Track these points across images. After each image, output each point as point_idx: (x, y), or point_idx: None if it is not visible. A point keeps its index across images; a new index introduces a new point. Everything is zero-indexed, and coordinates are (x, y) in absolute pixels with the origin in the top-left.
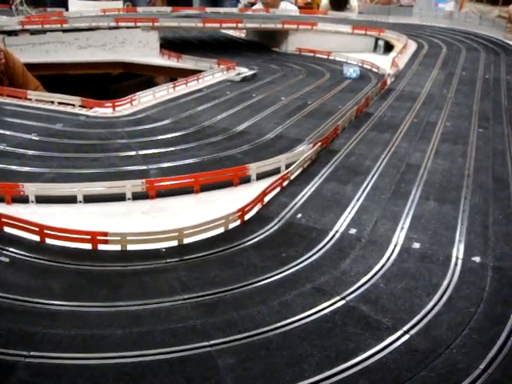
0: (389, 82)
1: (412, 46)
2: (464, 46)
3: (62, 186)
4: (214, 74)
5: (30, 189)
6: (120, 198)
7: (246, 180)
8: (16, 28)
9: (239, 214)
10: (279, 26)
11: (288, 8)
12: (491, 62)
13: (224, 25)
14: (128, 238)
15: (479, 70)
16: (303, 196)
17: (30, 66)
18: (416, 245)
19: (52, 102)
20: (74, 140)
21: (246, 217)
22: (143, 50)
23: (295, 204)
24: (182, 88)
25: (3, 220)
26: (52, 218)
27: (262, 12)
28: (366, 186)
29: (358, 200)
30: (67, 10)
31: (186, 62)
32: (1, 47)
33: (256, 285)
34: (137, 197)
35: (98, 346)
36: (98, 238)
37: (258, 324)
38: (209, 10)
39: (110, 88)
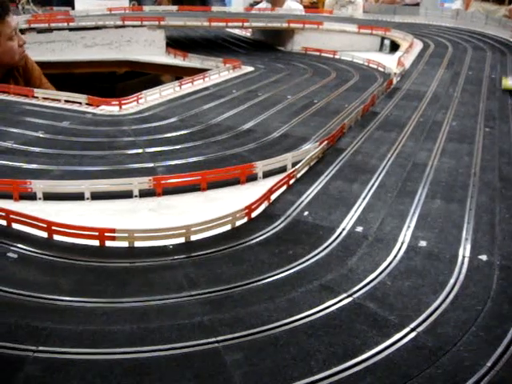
0: (395, 81)
1: (418, 46)
2: (470, 46)
3: (69, 183)
4: (220, 72)
5: (38, 186)
6: (127, 195)
7: (252, 178)
8: (23, 27)
9: (246, 211)
10: (285, 25)
11: (293, 7)
12: (497, 62)
13: (230, 24)
14: (135, 234)
15: (485, 70)
16: (310, 194)
17: (37, 65)
18: (422, 243)
19: (59, 100)
20: (81, 138)
21: (253, 214)
22: (149, 48)
23: (302, 202)
24: (188, 86)
25: (11, 216)
26: (59, 214)
27: (268, 11)
28: (373, 185)
29: (364, 198)
30: (73, 8)
31: (192, 61)
32: (24, 40)
33: (263, 282)
34: (144, 194)
35: (105, 341)
36: (106, 234)
37: (265, 320)
38: (215, 9)
39: (117, 86)
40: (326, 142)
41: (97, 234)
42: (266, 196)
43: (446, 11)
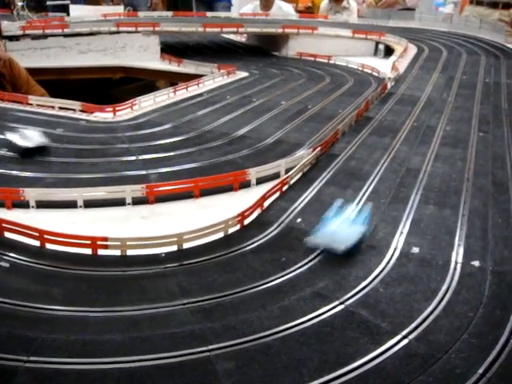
0: (389, 86)
1: (412, 50)
2: (464, 50)
3: (62, 191)
4: (214, 78)
5: (31, 194)
6: (120, 202)
7: (245, 185)
8: (17, 33)
9: (239, 218)
10: (280, 30)
11: (283, 8)
12: (491, 66)
13: (225, 29)
14: (128, 242)
15: (479, 74)
16: (303, 200)
17: (31, 71)
18: (415, 249)
19: (53, 107)
20: (75, 145)
21: (246, 221)
22: (144, 54)
23: (295, 208)
24: (183, 92)
25: (3, 225)
26: (52, 223)
27: (263, 16)
28: (366, 191)
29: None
30: (68, 14)
31: (187, 67)
32: (2, 53)
33: (255, 289)
34: (137, 202)
35: (97, 350)
36: (98, 242)
37: (257, 329)
38: (209, 14)
39: (111, 92)
40: (319, 148)
41: (89, 242)
42: (259, 203)
43: (440, 16)
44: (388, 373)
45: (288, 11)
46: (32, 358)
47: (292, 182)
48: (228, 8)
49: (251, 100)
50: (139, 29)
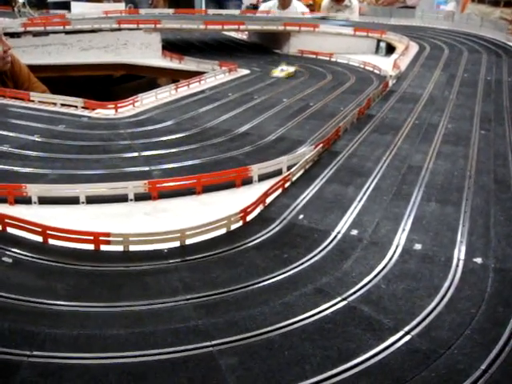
0: (390, 84)
1: (414, 48)
2: (466, 48)
3: (64, 187)
4: (216, 75)
5: (33, 190)
6: (122, 199)
7: (248, 181)
8: (18, 30)
9: (241, 215)
10: (281, 27)
11: (298, 8)
12: (493, 64)
13: (226, 27)
14: (130, 238)
15: (481, 72)
16: (305, 197)
17: (33, 68)
18: (417, 246)
19: (54, 104)
20: (77, 141)
21: (248, 218)
22: (145, 51)
23: (297, 205)
24: (184, 89)
25: (6, 221)
26: (55, 218)
27: (264, 14)
28: (368, 188)
29: (359, 201)
30: (69, 11)
31: (188, 64)
32: (9, 46)
33: (258, 285)
34: (139, 198)
35: (100, 345)
36: (101, 238)
37: (260, 324)
38: (211, 11)
39: (112, 90)
40: (321, 145)
41: (91, 238)
42: (262, 199)
43: (442, 13)
44: (390, 369)
45: (303, 11)
46: (35, 353)
47: (294, 178)
48: (239, 6)
49: (253, 97)
50: (141, 26)
